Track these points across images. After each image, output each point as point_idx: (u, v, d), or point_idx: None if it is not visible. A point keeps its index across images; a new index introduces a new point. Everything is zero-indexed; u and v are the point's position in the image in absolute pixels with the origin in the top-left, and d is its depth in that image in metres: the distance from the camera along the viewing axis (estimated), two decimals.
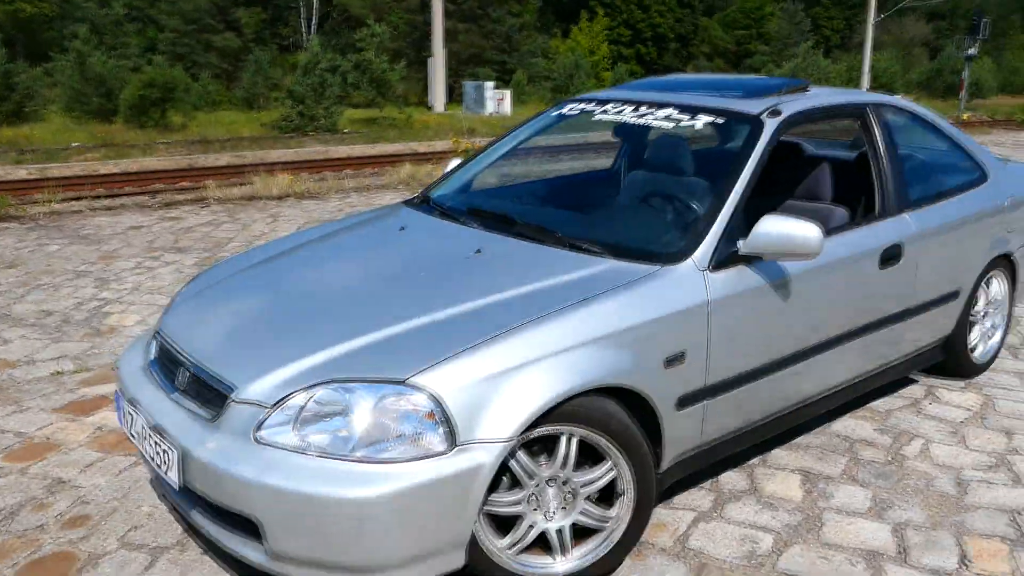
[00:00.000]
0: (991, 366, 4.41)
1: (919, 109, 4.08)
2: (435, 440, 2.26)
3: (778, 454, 3.49)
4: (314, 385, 2.33)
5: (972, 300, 4.09)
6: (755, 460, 3.44)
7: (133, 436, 2.70)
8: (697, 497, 3.16)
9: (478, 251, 3.00)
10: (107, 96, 24.98)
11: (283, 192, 8.98)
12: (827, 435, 3.68)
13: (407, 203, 3.81)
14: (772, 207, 3.78)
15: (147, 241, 6.98)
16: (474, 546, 2.44)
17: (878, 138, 3.65)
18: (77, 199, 8.58)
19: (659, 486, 2.82)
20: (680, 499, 3.14)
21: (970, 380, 4.28)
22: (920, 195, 3.77)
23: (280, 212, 8.29)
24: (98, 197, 8.90)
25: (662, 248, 2.90)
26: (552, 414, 2.41)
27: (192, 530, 2.85)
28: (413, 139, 21.53)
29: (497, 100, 29.75)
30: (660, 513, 3.04)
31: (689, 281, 2.77)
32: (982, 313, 4.28)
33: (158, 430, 2.51)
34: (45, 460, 3.35)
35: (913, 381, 4.27)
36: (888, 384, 4.06)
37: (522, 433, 2.36)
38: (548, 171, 4.36)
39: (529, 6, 43.32)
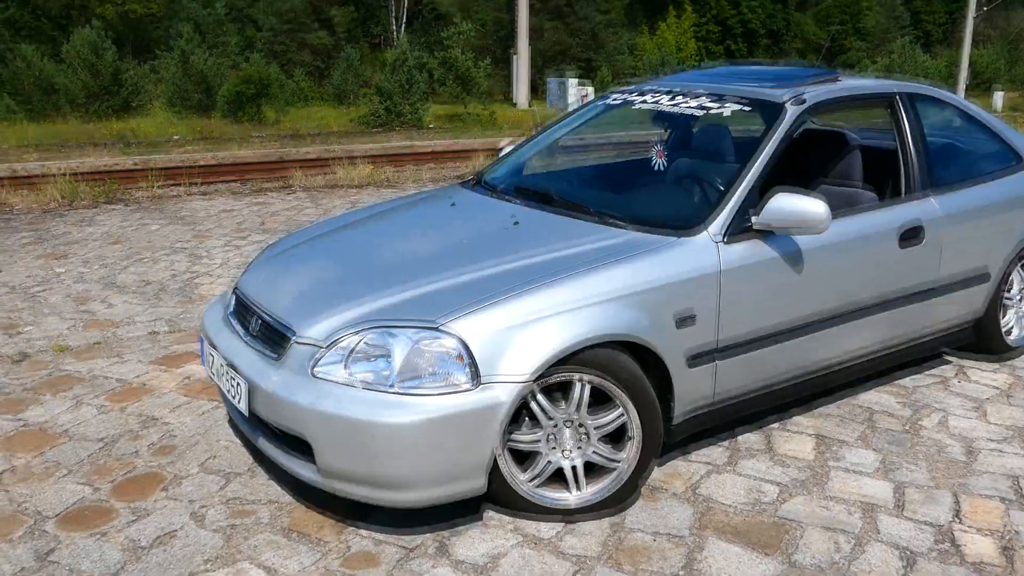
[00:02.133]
0: None
1: (952, 97, 4.22)
2: (461, 377, 2.62)
3: (798, 419, 3.72)
4: (362, 329, 2.72)
5: (1004, 283, 4.20)
6: (774, 423, 3.68)
7: (212, 374, 3.15)
8: (714, 452, 3.42)
9: (516, 222, 3.34)
10: (207, 92, 26.30)
11: (364, 181, 9.51)
12: (849, 405, 3.88)
13: (463, 183, 4.18)
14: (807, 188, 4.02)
15: (236, 223, 7.58)
16: (499, 478, 2.79)
17: (905, 124, 3.83)
18: (176, 185, 9.30)
19: (671, 437, 3.12)
20: (697, 453, 3.41)
21: (1005, 361, 4.39)
22: (947, 178, 3.93)
23: (360, 199, 8.81)
24: (195, 183, 9.59)
25: (680, 220, 3.18)
26: (567, 361, 2.73)
27: (261, 458, 3.29)
28: (496, 134, 22.00)
29: (581, 96, 29.96)
30: (677, 464, 3.33)
31: (702, 250, 3.05)
32: (1018, 297, 4.38)
33: (232, 366, 2.94)
34: (140, 401, 3.86)
35: (947, 361, 4.40)
36: (920, 361, 4.22)
37: (539, 376, 2.69)
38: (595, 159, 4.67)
39: (616, 3, 43.31)
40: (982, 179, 4.06)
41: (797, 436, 3.58)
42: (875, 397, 3.98)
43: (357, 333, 2.71)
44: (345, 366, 2.69)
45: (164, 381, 4.09)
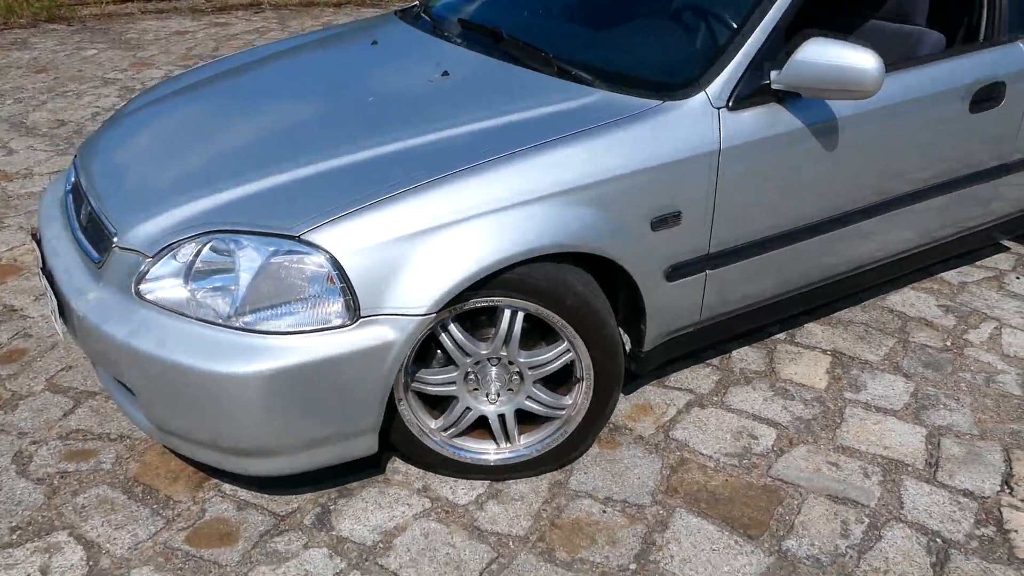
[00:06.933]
0: None
1: None
2: (333, 310, 1.86)
3: (811, 329, 2.96)
4: (203, 234, 1.93)
5: None
6: (780, 335, 2.93)
7: (39, 274, 2.41)
8: (699, 376, 2.70)
9: (444, 73, 2.46)
10: None
11: None
12: (878, 309, 3.10)
13: (402, 13, 3.23)
14: (849, 29, 3.05)
15: (186, 48, 6.59)
16: (402, 426, 2.11)
17: None
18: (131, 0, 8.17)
19: (641, 367, 2.38)
20: (678, 377, 2.69)
21: None
22: None
23: (335, 20, 7.71)
24: None
25: (666, 77, 2.28)
26: (487, 284, 1.96)
27: None
28: None
29: None
30: (648, 392, 2.62)
31: (695, 120, 2.18)
32: None
33: (47, 273, 2.20)
34: (3, 285, 3.16)
35: (1003, 248, 3.57)
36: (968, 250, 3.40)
37: (448, 305, 1.93)
38: None
39: None
40: None
41: (808, 353, 2.83)
42: (911, 297, 3.19)
43: (196, 239, 1.93)
44: (185, 283, 1.93)
45: None
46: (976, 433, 2.47)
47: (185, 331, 1.87)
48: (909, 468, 2.33)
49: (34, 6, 7.50)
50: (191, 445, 1.98)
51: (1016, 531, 2.12)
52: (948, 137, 2.70)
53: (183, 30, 7.21)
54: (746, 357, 2.81)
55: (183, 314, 1.89)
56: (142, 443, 2.35)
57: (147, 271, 1.95)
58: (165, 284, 1.94)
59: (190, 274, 1.92)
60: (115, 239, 2.01)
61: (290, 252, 1.85)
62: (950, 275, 3.35)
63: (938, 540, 2.09)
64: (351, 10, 8.15)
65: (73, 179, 2.47)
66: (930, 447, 2.41)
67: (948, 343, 2.91)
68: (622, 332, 2.36)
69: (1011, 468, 2.34)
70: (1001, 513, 2.18)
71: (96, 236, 2.14)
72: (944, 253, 3.06)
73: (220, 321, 1.86)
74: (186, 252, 1.93)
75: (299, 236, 1.85)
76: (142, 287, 1.95)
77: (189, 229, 1.94)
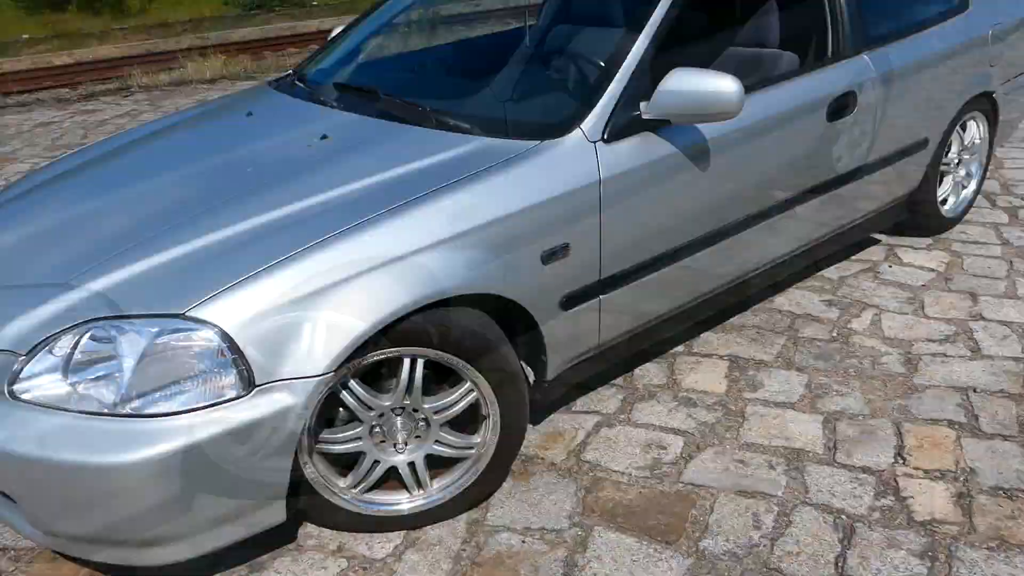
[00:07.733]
0: (964, 219, 3.92)
1: None
2: (226, 383, 1.82)
3: (707, 338, 3.07)
4: (79, 324, 1.87)
5: (943, 148, 3.55)
6: (678, 347, 3.02)
7: None
8: (604, 398, 2.76)
9: (324, 137, 2.48)
10: None
11: (216, 75, 8.29)
12: (767, 311, 3.25)
13: (276, 82, 3.24)
14: (711, 58, 3.22)
15: (52, 139, 6.41)
16: (310, 490, 2.08)
17: None
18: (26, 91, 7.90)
19: (548, 396, 2.43)
20: (584, 401, 2.74)
21: (939, 236, 3.80)
22: (882, 31, 3.15)
23: (209, 96, 7.66)
24: (9, 94, 8.19)
25: (542, 118, 2.37)
26: (385, 335, 1.97)
27: None
28: None
29: None
30: (558, 421, 2.66)
31: (574, 157, 2.26)
32: (955, 161, 3.74)
33: None
34: None
35: (874, 241, 3.80)
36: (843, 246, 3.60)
37: (346, 363, 1.93)
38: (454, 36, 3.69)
39: None
40: (922, 27, 3.30)
41: (705, 361, 2.94)
42: (795, 296, 3.35)
43: (72, 330, 1.87)
44: (64, 377, 1.86)
45: None
46: (867, 413, 2.60)
47: (67, 427, 1.80)
48: (810, 454, 2.43)
49: None
50: (84, 545, 1.90)
51: (912, 497, 2.24)
52: (811, 146, 2.88)
53: (48, 121, 7.02)
54: (648, 373, 2.89)
55: (64, 409, 1.82)
56: (28, 552, 2.23)
57: (21, 369, 1.87)
58: (42, 381, 1.86)
59: (69, 367, 1.85)
60: None
61: (176, 331, 1.82)
62: (830, 271, 3.54)
63: (843, 517, 2.19)
64: (226, 84, 8.11)
65: None
66: (827, 432, 2.53)
67: (834, 334, 3.07)
68: (525, 365, 2.40)
69: (902, 440, 2.47)
70: (897, 483, 2.30)
71: None
72: (820, 253, 3.24)
73: (105, 411, 1.80)
74: (63, 345, 1.87)
75: (184, 313, 1.83)
76: (16, 387, 1.86)
77: (65, 320, 1.89)
